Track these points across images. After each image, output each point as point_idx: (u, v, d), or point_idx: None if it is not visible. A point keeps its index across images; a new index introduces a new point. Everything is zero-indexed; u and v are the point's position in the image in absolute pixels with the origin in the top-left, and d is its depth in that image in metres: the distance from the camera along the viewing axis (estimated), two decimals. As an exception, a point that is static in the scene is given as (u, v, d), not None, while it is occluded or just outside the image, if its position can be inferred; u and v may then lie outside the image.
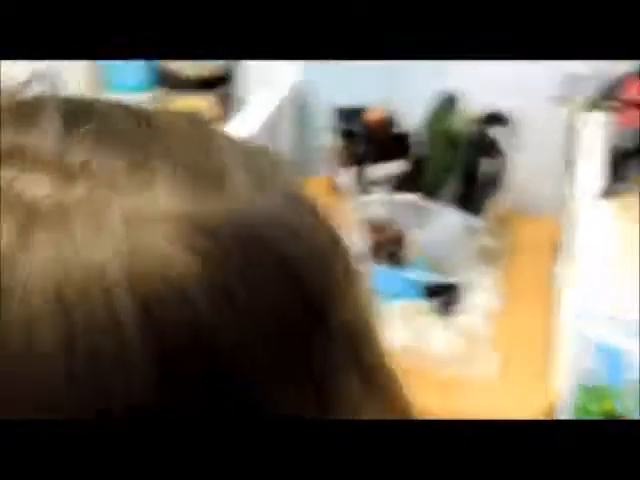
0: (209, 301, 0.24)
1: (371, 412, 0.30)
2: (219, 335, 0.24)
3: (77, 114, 0.26)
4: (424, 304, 1.08)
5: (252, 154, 0.30)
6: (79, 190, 0.23)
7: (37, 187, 0.23)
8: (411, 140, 1.12)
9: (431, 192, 1.11)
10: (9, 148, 0.24)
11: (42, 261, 0.22)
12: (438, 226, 1.12)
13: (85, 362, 0.22)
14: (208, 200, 0.25)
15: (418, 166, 1.10)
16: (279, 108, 1.28)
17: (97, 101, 0.28)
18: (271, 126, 1.29)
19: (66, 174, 0.24)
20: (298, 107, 1.37)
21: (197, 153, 0.27)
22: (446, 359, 1.02)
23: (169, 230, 0.24)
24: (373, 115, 1.12)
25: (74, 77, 1.13)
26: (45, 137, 0.25)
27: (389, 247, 1.14)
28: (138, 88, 1.21)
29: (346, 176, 1.10)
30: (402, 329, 1.05)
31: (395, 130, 1.14)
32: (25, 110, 0.26)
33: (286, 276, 0.27)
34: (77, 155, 0.24)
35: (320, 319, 0.27)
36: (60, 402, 0.23)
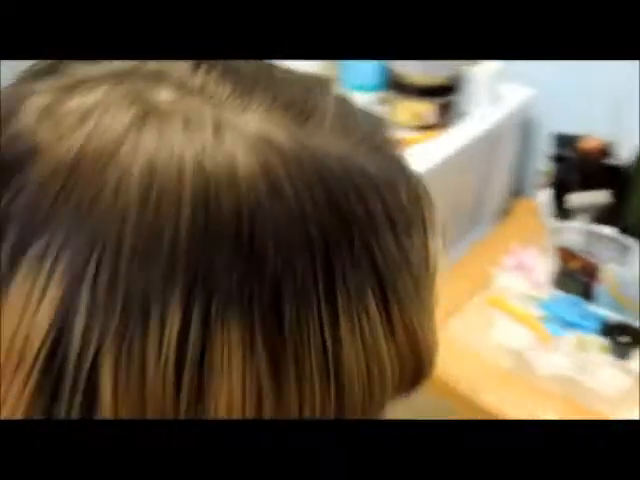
0: (259, 202, 0.28)
1: (387, 350, 0.32)
2: (263, 228, 0.28)
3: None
4: (600, 340, 1.06)
5: (353, 109, 0.34)
6: (191, 103, 0.30)
7: (161, 95, 0.30)
8: (621, 173, 1.10)
9: (633, 229, 1.08)
10: (154, 70, 0.32)
11: (146, 140, 0.28)
12: (636, 265, 1.09)
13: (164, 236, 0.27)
14: (290, 131, 0.30)
15: (623, 200, 1.08)
16: (501, 126, 1.31)
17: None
18: (490, 140, 1.33)
19: (186, 90, 0.30)
20: (521, 127, 1.39)
21: (300, 95, 0.32)
22: (606, 397, 1.00)
23: (248, 143, 0.29)
24: (588, 144, 1.11)
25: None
26: (180, 66, 0.32)
27: (579, 276, 1.12)
28: (368, 88, 1.30)
29: (547, 199, 1.11)
30: (568, 359, 1.04)
31: (608, 161, 1.12)
32: None
33: (336, 218, 0.29)
34: (200, 79, 0.31)
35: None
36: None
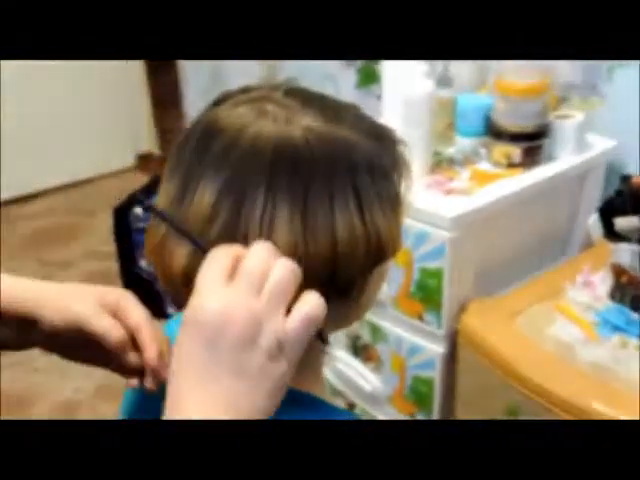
0: (303, 154, 0.58)
1: (362, 230, 0.60)
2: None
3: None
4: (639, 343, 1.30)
5: (366, 118, 0.64)
6: (278, 110, 0.60)
7: (267, 107, 0.60)
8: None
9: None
10: (265, 95, 0.63)
11: (258, 125, 0.59)
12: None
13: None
14: (326, 125, 0.60)
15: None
16: (582, 169, 1.59)
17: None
18: (574, 181, 1.60)
19: (278, 104, 0.61)
20: (604, 172, 1.65)
21: (335, 109, 0.63)
22: (635, 384, 1.24)
23: (300, 128, 0.59)
24: (637, 179, 1.38)
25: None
26: (277, 94, 0.62)
27: (628, 289, 1.37)
28: (474, 134, 1.61)
29: (596, 222, 1.38)
30: (608, 352, 1.30)
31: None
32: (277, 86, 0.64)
33: (345, 165, 0.59)
34: (285, 100, 0.61)
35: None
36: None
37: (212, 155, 0.59)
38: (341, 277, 0.60)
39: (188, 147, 0.61)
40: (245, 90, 0.65)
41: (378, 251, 0.62)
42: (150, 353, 0.64)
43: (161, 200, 0.62)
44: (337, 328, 0.71)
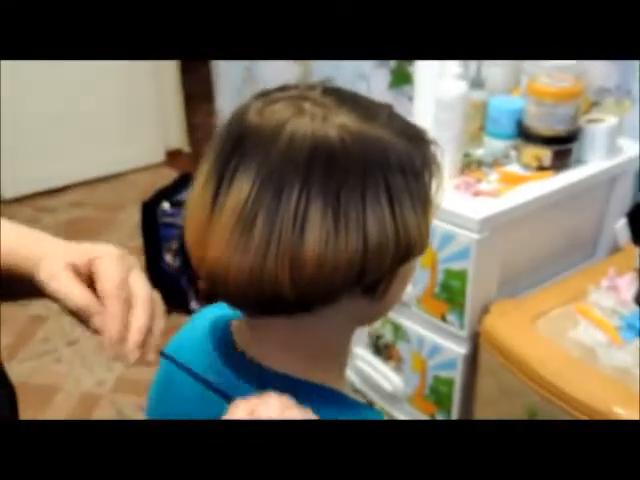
0: (337, 151, 0.59)
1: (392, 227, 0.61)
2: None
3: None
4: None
5: (399, 118, 0.65)
6: (315, 109, 0.61)
7: (305, 105, 0.61)
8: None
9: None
10: (304, 94, 0.63)
11: (295, 123, 0.60)
12: None
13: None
14: (365, 123, 0.61)
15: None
16: (611, 173, 1.58)
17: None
18: (603, 185, 1.60)
19: (315, 103, 0.62)
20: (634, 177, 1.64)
21: (367, 108, 0.64)
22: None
23: (334, 126, 0.60)
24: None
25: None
26: (315, 92, 0.63)
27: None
28: (505, 136, 1.61)
29: (623, 226, 1.37)
30: (630, 356, 1.29)
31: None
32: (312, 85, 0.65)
33: (378, 164, 0.60)
34: (322, 99, 0.63)
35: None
36: None
37: (250, 150, 0.60)
38: (369, 274, 0.61)
39: (226, 142, 0.62)
40: (283, 88, 0.66)
41: (407, 248, 0.63)
42: (111, 331, 0.60)
43: (195, 192, 0.63)
44: (360, 325, 0.73)
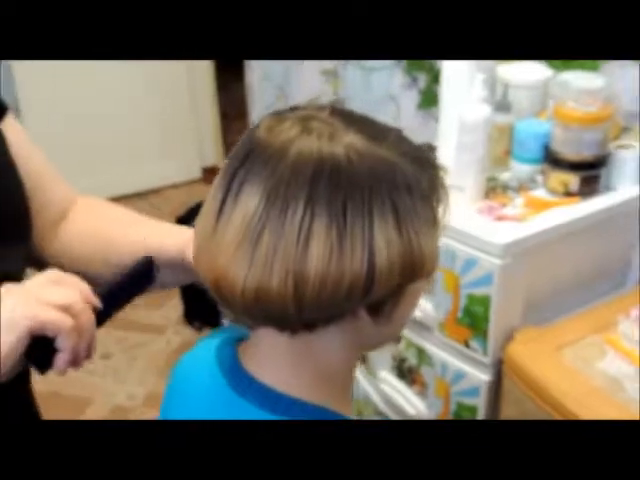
0: (344, 169, 0.60)
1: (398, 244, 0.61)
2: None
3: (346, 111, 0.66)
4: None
5: (406, 140, 0.65)
6: (323, 127, 0.62)
7: (312, 124, 0.62)
8: None
9: None
10: (312, 114, 0.64)
11: (302, 141, 0.61)
12: None
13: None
14: (366, 143, 0.61)
15: None
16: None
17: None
18: (632, 213, 1.56)
19: (323, 123, 0.62)
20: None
21: (375, 129, 0.64)
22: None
23: (342, 145, 0.61)
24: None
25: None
26: (323, 113, 0.64)
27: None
28: (532, 161, 1.58)
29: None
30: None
31: None
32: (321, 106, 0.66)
33: (386, 183, 0.60)
34: (330, 119, 0.63)
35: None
36: None
37: (257, 165, 0.61)
38: (374, 293, 0.61)
39: (236, 157, 0.64)
40: (293, 108, 0.67)
41: (412, 268, 0.63)
42: None
43: (206, 205, 0.65)
44: (366, 350, 0.73)
